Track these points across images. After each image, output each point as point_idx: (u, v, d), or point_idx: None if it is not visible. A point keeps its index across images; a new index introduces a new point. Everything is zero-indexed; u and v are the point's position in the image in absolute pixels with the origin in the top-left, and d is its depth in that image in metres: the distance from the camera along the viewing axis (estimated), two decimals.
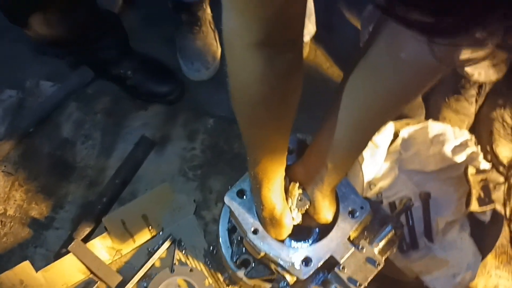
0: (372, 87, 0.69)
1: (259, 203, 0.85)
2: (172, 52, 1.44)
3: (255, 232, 0.87)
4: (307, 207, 0.89)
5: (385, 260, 0.91)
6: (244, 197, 0.90)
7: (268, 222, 0.87)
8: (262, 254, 0.87)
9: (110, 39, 1.28)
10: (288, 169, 0.87)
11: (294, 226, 0.91)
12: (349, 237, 0.89)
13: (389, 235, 0.93)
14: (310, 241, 0.96)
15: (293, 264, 0.85)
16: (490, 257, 1.27)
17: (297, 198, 0.90)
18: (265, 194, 0.83)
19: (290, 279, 0.88)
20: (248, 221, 0.88)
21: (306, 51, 1.45)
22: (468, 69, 1.32)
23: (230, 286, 1.17)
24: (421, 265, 1.13)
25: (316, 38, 1.46)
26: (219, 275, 1.18)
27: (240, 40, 0.57)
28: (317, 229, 0.94)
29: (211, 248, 1.20)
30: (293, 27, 0.57)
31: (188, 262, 1.19)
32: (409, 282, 1.16)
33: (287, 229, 0.88)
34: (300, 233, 0.95)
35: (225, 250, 1.06)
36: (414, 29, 0.36)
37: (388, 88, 0.67)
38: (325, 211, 0.88)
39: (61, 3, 1.13)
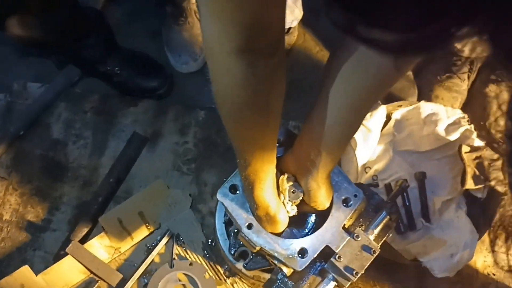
0: (364, 67, 0.68)
1: (252, 202, 0.85)
2: (159, 46, 1.42)
3: (249, 227, 0.87)
4: (301, 198, 0.89)
5: (381, 246, 0.91)
6: (237, 192, 0.89)
7: (263, 219, 0.87)
8: (257, 248, 0.87)
9: (94, 37, 1.26)
10: (277, 162, 0.86)
11: (290, 217, 0.91)
12: (344, 225, 0.89)
13: (384, 221, 0.93)
14: (306, 230, 0.96)
15: (289, 256, 0.85)
16: (487, 234, 1.28)
17: (289, 191, 0.89)
18: (258, 194, 0.82)
19: (287, 270, 0.88)
20: (242, 216, 0.88)
21: (294, 36, 1.43)
22: (458, 46, 1.30)
23: (230, 277, 1.18)
24: (418, 247, 1.14)
25: (303, 22, 1.44)
26: (219, 268, 1.18)
27: (219, 46, 0.56)
28: (312, 220, 0.94)
29: (209, 241, 1.21)
30: (272, 31, 0.56)
31: (187, 256, 1.19)
32: (407, 264, 1.17)
33: (282, 224, 0.88)
34: (296, 221, 0.95)
35: (223, 243, 1.06)
36: (377, 48, 0.35)
37: (379, 67, 0.66)
38: (322, 199, 0.87)
39: (38, 5, 1.11)
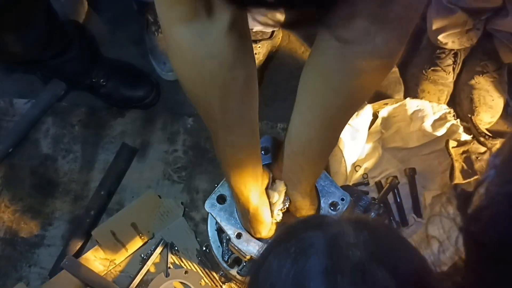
0: (327, 84, 0.69)
1: (237, 201, 0.85)
2: (143, 54, 1.42)
3: (239, 236, 0.88)
4: (287, 206, 0.89)
5: None
6: (225, 202, 0.90)
7: (247, 218, 0.87)
8: (248, 256, 0.88)
9: (76, 50, 1.26)
10: (269, 168, 0.87)
11: (277, 223, 0.91)
12: None
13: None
14: None
15: None
16: None
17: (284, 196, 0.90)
18: (243, 195, 0.82)
19: None
20: (231, 226, 0.88)
21: (278, 38, 1.43)
22: (441, 39, 1.30)
23: (226, 283, 1.19)
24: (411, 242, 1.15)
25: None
26: (214, 274, 1.19)
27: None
28: None
29: (203, 248, 1.22)
30: None
31: (182, 264, 1.20)
32: None
33: (266, 225, 0.88)
34: None
35: (216, 250, 1.07)
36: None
37: (343, 85, 0.67)
38: (307, 210, 0.88)
39: (12, 21, 1.10)
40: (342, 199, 0.90)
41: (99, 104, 1.35)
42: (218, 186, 0.91)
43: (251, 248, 0.87)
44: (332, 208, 0.90)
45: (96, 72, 1.31)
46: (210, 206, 0.89)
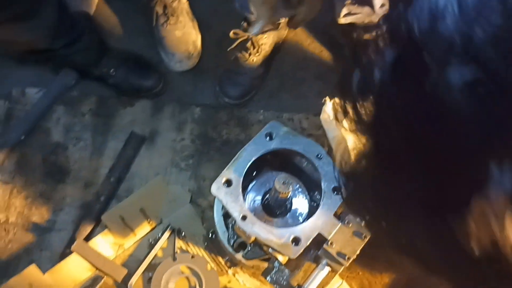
0: None
1: None
2: (152, 45, 1.45)
3: (244, 218, 0.90)
4: None
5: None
6: (231, 185, 0.92)
7: None
8: (252, 238, 0.90)
9: (86, 41, 1.29)
10: None
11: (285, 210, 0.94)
12: (336, 213, 0.92)
13: None
14: (301, 221, 0.99)
15: (283, 244, 0.89)
16: None
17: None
18: None
19: (282, 259, 0.92)
20: (236, 208, 0.91)
21: (285, 30, 1.45)
22: None
23: (232, 268, 1.21)
24: None
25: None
26: (220, 259, 1.22)
27: None
28: (305, 212, 0.98)
29: (210, 234, 1.24)
30: None
31: (189, 250, 1.23)
32: None
33: None
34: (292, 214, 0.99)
35: (222, 235, 1.09)
36: None
37: None
38: None
39: (22, 11, 1.13)
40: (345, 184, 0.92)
41: (108, 94, 1.38)
42: (224, 170, 0.94)
43: (255, 230, 0.90)
44: (335, 192, 0.93)
45: (106, 63, 1.34)
46: (216, 189, 0.92)
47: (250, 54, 1.35)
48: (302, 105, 1.41)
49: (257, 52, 1.34)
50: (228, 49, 1.36)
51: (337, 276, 1.21)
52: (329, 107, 1.19)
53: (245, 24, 1.32)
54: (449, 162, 0.33)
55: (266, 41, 1.35)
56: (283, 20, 1.33)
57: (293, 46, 1.50)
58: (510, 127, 0.30)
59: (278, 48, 1.45)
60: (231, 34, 1.33)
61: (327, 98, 1.20)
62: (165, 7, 1.38)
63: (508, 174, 0.30)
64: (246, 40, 1.34)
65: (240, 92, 1.38)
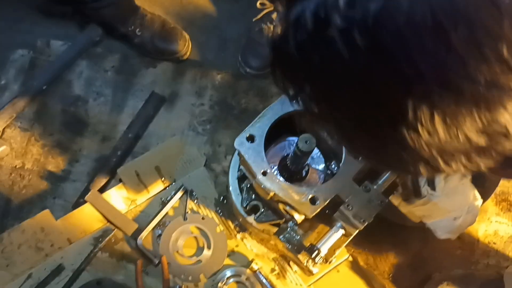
0: None
1: None
2: (178, 12, 1.46)
3: (265, 174, 0.91)
4: None
5: (388, 203, 0.95)
6: (254, 141, 0.94)
7: None
8: (271, 194, 0.91)
9: None
10: None
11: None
12: (354, 178, 0.93)
13: (392, 178, 0.98)
14: (319, 183, 1.01)
15: (301, 202, 0.90)
16: (490, 204, 1.32)
17: None
18: None
19: (298, 217, 0.93)
20: (258, 163, 0.92)
21: None
22: None
23: (241, 233, 1.23)
24: (424, 210, 1.18)
25: None
26: (230, 223, 1.23)
27: None
28: (321, 181, 0.99)
29: (221, 198, 1.26)
30: None
31: (200, 211, 1.24)
32: (414, 226, 1.21)
33: None
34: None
35: (236, 198, 1.11)
36: None
37: None
38: None
39: None
40: None
41: (132, 53, 1.39)
42: (249, 126, 0.95)
43: (275, 186, 0.91)
44: (355, 158, 0.94)
45: (133, 21, 1.35)
46: (239, 143, 0.93)
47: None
48: None
49: None
50: (254, 19, 1.38)
51: (344, 250, 1.23)
52: None
53: None
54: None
55: None
56: None
57: None
58: None
59: None
60: (258, 4, 1.35)
61: None
62: None
63: None
64: (272, 11, 1.35)
65: (261, 63, 1.39)
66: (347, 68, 0.41)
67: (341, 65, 0.41)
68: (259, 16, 1.37)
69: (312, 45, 0.43)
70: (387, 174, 0.98)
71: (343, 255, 1.22)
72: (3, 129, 1.28)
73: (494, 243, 1.30)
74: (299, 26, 0.43)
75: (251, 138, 0.94)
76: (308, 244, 0.94)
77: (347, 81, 0.42)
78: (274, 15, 1.36)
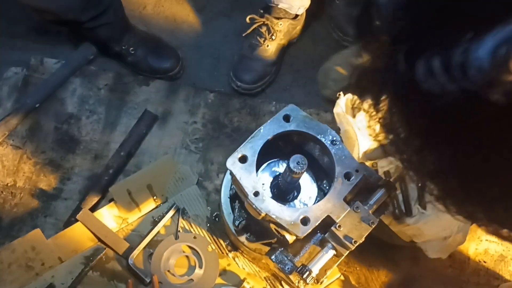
0: None
1: None
2: (172, 29, 1.47)
3: (256, 194, 0.92)
4: None
5: (378, 225, 0.96)
6: (246, 162, 0.94)
7: None
8: (263, 214, 0.92)
9: (112, 15, 1.32)
10: None
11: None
12: (345, 198, 0.94)
13: (382, 198, 0.98)
14: (309, 204, 1.01)
15: (292, 223, 0.90)
16: None
17: None
18: None
19: (289, 238, 0.93)
20: (250, 183, 0.93)
21: (301, 23, 1.49)
22: None
23: (232, 252, 1.23)
24: (414, 229, 1.19)
25: (309, 10, 1.50)
26: (222, 242, 1.23)
27: None
28: (313, 201, 1.00)
29: (213, 217, 1.26)
30: None
31: (191, 230, 1.24)
32: (403, 246, 1.22)
33: None
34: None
35: (227, 217, 1.11)
36: None
37: None
38: None
39: None
40: (357, 171, 0.95)
41: (126, 72, 1.40)
42: (241, 146, 0.95)
43: (266, 206, 0.92)
44: (346, 178, 0.95)
45: (127, 40, 1.37)
46: (231, 163, 0.94)
47: (264, 40, 1.38)
48: (313, 102, 1.44)
49: (271, 38, 1.38)
50: (244, 34, 1.40)
51: (336, 269, 1.23)
52: (342, 101, 1.22)
53: (261, 11, 1.36)
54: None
55: (281, 28, 1.39)
56: (301, 13, 1.37)
57: (308, 41, 1.53)
58: None
59: (292, 44, 1.48)
60: (247, 19, 1.37)
61: (341, 93, 1.23)
62: None
63: None
64: (261, 26, 1.38)
65: (252, 77, 1.41)
66: None
67: None
68: (248, 31, 1.39)
69: None
70: (378, 194, 0.98)
71: (334, 274, 1.22)
72: None
73: (485, 262, 1.31)
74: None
75: (243, 158, 0.95)
76: (300, 265, 0.95)
77: None
78: (264, 29, 1.38)
